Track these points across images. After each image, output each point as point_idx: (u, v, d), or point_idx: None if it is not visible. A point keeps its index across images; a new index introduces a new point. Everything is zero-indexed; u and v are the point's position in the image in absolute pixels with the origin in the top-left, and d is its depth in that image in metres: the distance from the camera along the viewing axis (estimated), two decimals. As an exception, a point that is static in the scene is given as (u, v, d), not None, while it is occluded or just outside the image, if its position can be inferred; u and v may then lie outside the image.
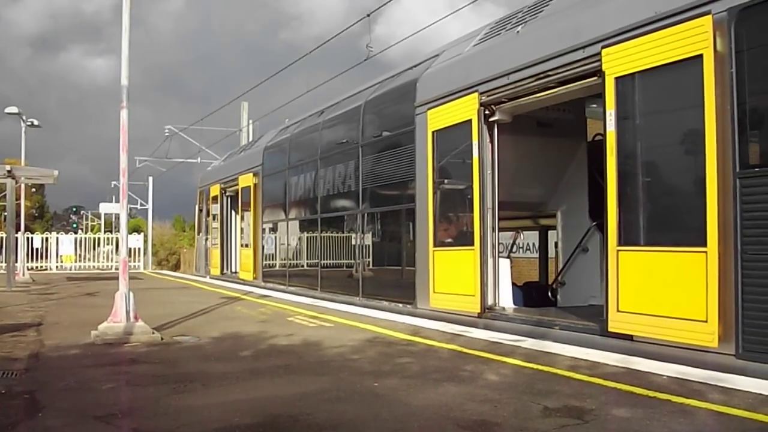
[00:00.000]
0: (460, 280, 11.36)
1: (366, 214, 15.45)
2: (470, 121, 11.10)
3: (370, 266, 15.55)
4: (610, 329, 8.51)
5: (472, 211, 11.13)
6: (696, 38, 7.46)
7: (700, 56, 7.40)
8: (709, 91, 7.30)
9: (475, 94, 11.00)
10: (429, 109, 12.30)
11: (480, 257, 10.90)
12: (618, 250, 8.42)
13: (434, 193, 12.26)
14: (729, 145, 7.17)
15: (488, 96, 10.85)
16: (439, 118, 12.01)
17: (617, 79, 8.50)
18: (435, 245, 12.16)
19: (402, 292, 13.46)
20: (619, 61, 8.48)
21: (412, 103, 13.04)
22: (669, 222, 8.18)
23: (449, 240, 12.06)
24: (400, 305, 13.30)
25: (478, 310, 10.86)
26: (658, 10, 7.95)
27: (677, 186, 8.18)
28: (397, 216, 14.37)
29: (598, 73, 8.81)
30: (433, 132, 12.18)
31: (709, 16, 7.33)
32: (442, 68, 12.70)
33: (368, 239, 15.58)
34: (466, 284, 11.18)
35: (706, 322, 7.24)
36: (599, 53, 8.75)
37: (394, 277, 14.37)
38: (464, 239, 11.44)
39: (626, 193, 8.46)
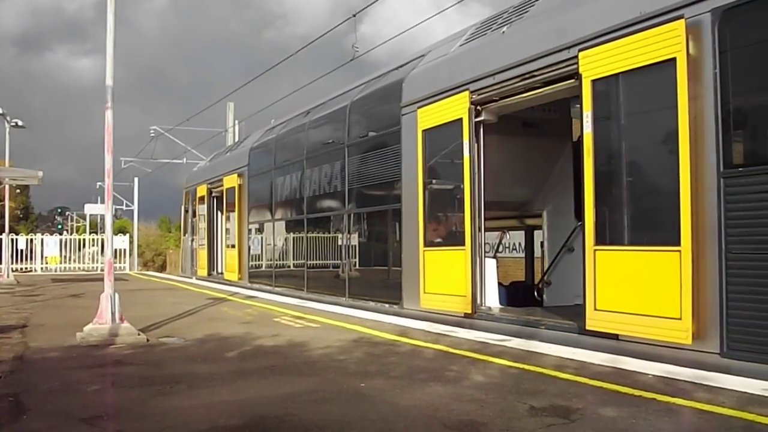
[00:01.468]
0: (451, 281, 11.31)
1: (352, 215, 15.45)
2: (461, 119, 11.06)
3: (357, 267, 15.55)
4: (587, 327, 8.67)
5: (462, 210, 11.08)
6: (669, 42, 7.61)
7: (674, 59, 7.55)
8: (682, 94, 7.47)
9: (466, 93, 10.97)
10: (419, 107, 12.24)
11: (471, 257, 10.86)
12: (595, 250, 8.61)
13: (424, 192, 12.18)
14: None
15: (479, 95, 10.84)
16: (429, 117, 11.95)
17: (594, 81, 8.67)
18: (425, 245, 12.10)
19: (388, 292, 13.46)
20: (596, 63, 8.63)
21: (398, 104, 13.05)
22: (644, 222, 8.35)
23: (440, 240, 12.02)
24: (387, 305, 13.31)
25: (470, 311, 10.82)
26: (641, 11, 8.02)
27: (652, 187, 8.34)
28: (384, 216, 14.38)
29: (576, 75, 8.96)
30: (423, 131, 12.12)
31: (682, 21, 7.47)
32: (432, 66, 12.67)
33: (354, 239, 15.58)
34: (457, 284, 11.13)
35: (680, 319, 7.40)
36: (576, 56, 8.90)
37: (381, 278, 14.37)
38: (455, 239, 11.39)
39: (602, 193, 8.67)
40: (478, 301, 10.97)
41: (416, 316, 11.84)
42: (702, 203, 7.36)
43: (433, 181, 12.16)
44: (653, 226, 8.17)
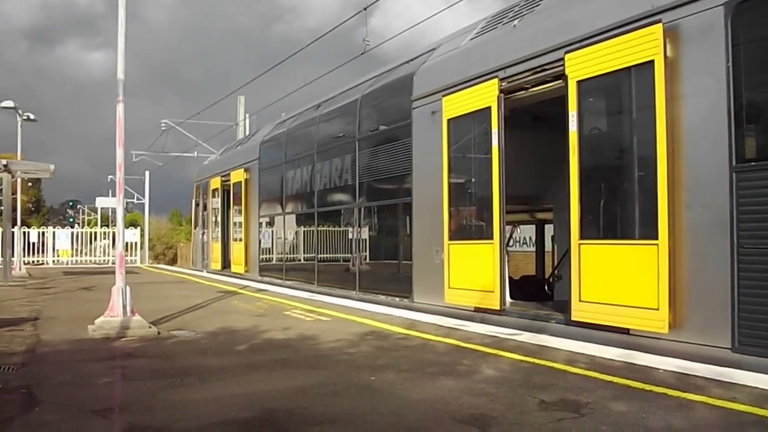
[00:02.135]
0: (479, 276, 10.94)
1: (363, 208, 15.44)
2: (489, 108, 10.67)
3: (367, 260, 15.55)
4: (573, 318, 9.04)
5: (491, 202, 10.64)
6: (648, 45, 8.02)
7: (652, 62, 7.94)
8: (660, 94, 7.94)
9: (495, 80, 10.61)
10: (444, 96, 11.79)
11: (500, 251, 10.52)
12: (580, 244, 8.98)
13: (449, 184, 11.81)
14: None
15: (509, 82, 10.49)
16: (455, 105, 11.55)
17: (579, 82, 9.05)
18: (450, 239, 11.72)
19: (399, 286, 13.45)
20: (580, 65, 9.01)
21: (409, 97, 13.02)
22: (625, 217, 8.72)
23: (466, 233, 11.58)
24: (397, 299, 13.30)
25: (498, 307, 10.46)
26: (653, 5, 8.05)
27: (631, 183, 8.64)
28: (394, 210, 14.37)
29: (562, 76, 9.35)
30: (448, 120, 11.73)
31: (660, 25, 7.85)
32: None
33: (365, 233, 15.58)
34: (484, 279, 10.78)
35: (657, 309, 7.85)
36: (563, 57, 9.29)
37: (391, 272, 14.36)
38: (483, 232, 11.04)
39: (586, 190, 9.04)
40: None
41: (427, 309, 11.82)
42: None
43: (460, 171, 11.77)
44: (633, 221, 8.50)
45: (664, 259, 7.77)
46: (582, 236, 8.98)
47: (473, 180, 11.54)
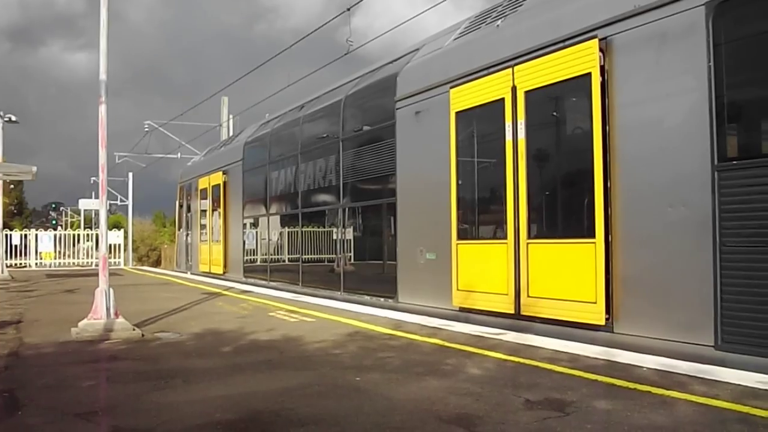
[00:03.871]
0: (491, 277, 10.40)
1: (347, 209, 15.44)
2: (503, 100, 10.13)
3: (352, 261, 15.54)
4: (522, 313, 9.66)
5: (504, 200, 10.12)
6: (585, 59, 8.66)
7: (589, 74, 8.57)
8: (596, 104, 8.45)
9: (509, 71, 10.09)
10: (451, 87, 11.29)
11: (514, 251, 9.92)
12: (528, 243, 9.53)
13: (458, 180, 11.26)
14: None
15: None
16: (465, 97, 11.03)
17: (527, 92, 9.60)
18: (459, 238, 11.19)
19: (383, 286, 13.46)
20: (527, 77, 9.56)
21: (393, 98, 13.02)
22: (567, 217, 9.36)
23: (477, 232, 11.12)
24: (382, 299, 13.31)
25: (512, 310, 9.90)
26: (635, 5, 8.11)
27: (572, 186, 9.30)
28: (378, 210, 14.35)
29: (512, 87, 9.86)
30: (456, 113, 11.18)
31: (596, 40, 8.51)
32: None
33: (349, 234, 15.57)
34: (497, 281, 10.22)
35: (595, 303, 8.44)
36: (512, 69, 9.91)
37: (376, 272, 14.36)
38: (495, 231, 10.57)
39: (533, 193, 9.61)
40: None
41: (411, 309, 11.83)
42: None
43: (470, 167, 11.25)
44: (574, 221, 9.07)
45: (601, 256, 8.34)
46: (530, 236, 9.61)
47: (485, 176, 11.05)
